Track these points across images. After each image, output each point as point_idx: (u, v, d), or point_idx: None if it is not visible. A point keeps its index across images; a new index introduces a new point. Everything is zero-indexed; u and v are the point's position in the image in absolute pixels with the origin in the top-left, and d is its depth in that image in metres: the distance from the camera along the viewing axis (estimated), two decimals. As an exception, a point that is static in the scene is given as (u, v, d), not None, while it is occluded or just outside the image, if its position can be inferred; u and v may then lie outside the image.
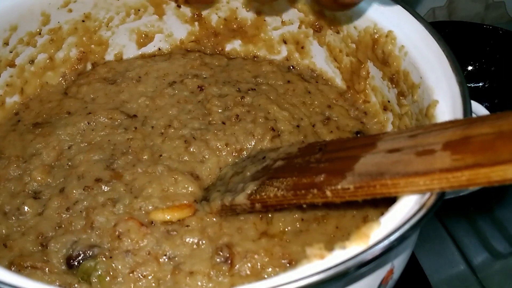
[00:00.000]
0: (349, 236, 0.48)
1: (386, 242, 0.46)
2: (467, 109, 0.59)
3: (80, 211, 0.68)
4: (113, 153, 0.75)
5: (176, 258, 0.63)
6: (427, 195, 0.50)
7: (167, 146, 0.76)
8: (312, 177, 0.59)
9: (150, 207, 0.68)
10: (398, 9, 0.76)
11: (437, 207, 0.50)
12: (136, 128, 0.79)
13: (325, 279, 0.44)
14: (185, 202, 0.69)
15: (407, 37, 0.73)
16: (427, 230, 1.03)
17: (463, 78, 0.64)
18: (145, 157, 0.75)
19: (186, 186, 0.71)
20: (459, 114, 0.60)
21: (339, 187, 0.54)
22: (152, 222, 0.67)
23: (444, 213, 1.06)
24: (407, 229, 0.47)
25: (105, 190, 0.70)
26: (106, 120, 0.80)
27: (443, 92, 0.64)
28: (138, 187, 0.71)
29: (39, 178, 0.72)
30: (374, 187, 0.51)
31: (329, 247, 0.47)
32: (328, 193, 0.55)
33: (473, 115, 0.64)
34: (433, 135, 0.53)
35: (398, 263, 0.59)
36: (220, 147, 0.77)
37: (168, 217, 0.67)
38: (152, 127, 0.79)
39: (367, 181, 0.52)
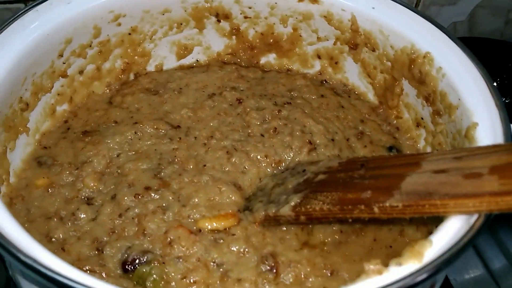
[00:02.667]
0: (402, 253, 0.51)
1: (439, 261, 0.50)
2: (508, 133, 0.63)
3: (132, 218, 0.71)
4: (159, 162, 0.79)
5: (224, 266, 0.67)
6: (475, 216, 0.54)
7: (210, 157, 0.80)
8: (358, 193, 0.62)
9: (197, 216, 0.72)
10: (436, 31, 0.79)
11: (485, 228, 0.53)
12: (180, 138, 0.82)
13: (385, 293, 0.48)
14: (229, 211, 0.72)
15: (445, 59, 0.76)
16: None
17: (502, 102, 0.67)
18: (190, 166, 0.78)
19: (229, 195, 0.74)
20: (499, 138, 0.63)
21: (387, 204, 0.58)
22: (200, 230, 0.70)
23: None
24: (459, 249, 0.50)
25: (155, 198, 0.73)
26: (152, 130, 0.83)
27: (483, 115, 0.67)
28: (185, 195, 0.74)
29: (92, 185, 0.76)
30: (423, 206, 0.55)
31: (385, 263, 0.51)
32: (376, 209, 0.59)
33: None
34: (478, 159, 0.56)
35: (439, 279, 0.63)
36: (260, 158, 0.80)
37: (215, 225, 0.70)
38: (195, 137, 0.83)
39: (415, 200, 0.56)
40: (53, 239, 0.70)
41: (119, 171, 0.78)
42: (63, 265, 0.51)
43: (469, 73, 0.72)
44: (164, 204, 0.73)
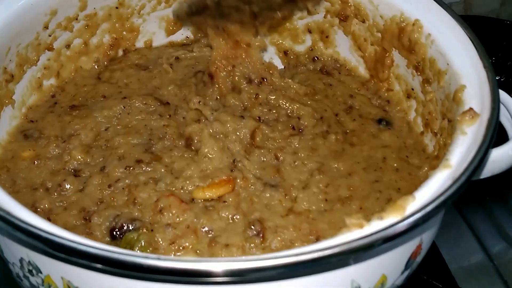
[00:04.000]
0: (385, 208, 0.50)
1: (421, 214, 0.49)
2: (495, 93, 0.62)
3: (122, 188, 0.71)
4: (150, 137, 0.78)
5: (213, 232, 0.67)
6: (459, 171, 0.53)
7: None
8: None
9: (191, 187, 0.71)
10: (424, -1, 0.78)
11: (468, 183, 0.52)
12: (170, 116, 0.82)
13: (365, 245, 0.47)
14: (224, 177, 0.72)
15: (434, 25, 0.75)
16: (446, 219, 1.05)
17: (490, 64, 0.66)
18: (181, 143, 0.78)
19: (221, 161, 0.74)
20: (487, 99, 0.62)
21: None
22: (193, 199, 0.70)
23: (461, 203, 1.09)
24: (441, 202, 0.50)
25: (147, 170, 0.73)
26: (141, 105, 0.82)
27: (471, 77, 0.66)
28: (177, 169, 0.73)
29: (79, 157, 0.75)
30: None
31: (367, 218, 0.50)
32: None
33: (501, 105, 0.67)
34: None
35: (426, 240, 0.62)
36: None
37: (209, 195, 0.70)
38: (184, 118, 0.81)
39: None
40: (39, 209, 0.69)
41: (108, 144, 0.77)
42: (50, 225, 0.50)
43: (457, 37, 0.72)
44: (156, 176, 0.72)
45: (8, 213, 0.49)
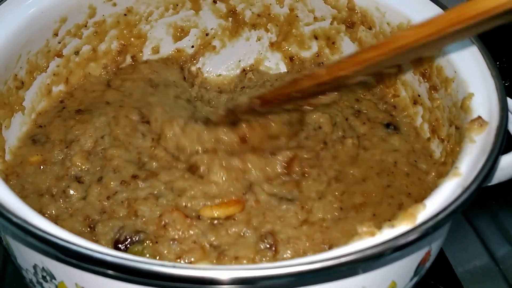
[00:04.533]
0: (396, 216, 0.51)
1: (432, 222, 0.50)
2: (503, 101, 0.63)
3: (122, 201, 0.69)
4: (139, 156, 0.75)
5: (221, 247, 0.65)
6: (469, 180, 0.53)
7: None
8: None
9: (196, 207, 0.69)
10: (431, 6, 0.79)
11: (478, 191, 0.53)
12: (153, 139, 0.78)
13: (376, 254, 0.47)
14: (233, 198, 0.70)
15: (441, 33, 0.76)
16: (452, 224, 1.06)
17: (498, 72, 0.67)
18: (179, 166, 0.74)
19: (228, 183, 0.72)
20: (495, 107, 0.63)
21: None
22: (199, 216, 0.68)
23: (467, 208, 1.09)
24: (452, 210, 0.50)
25: (143, 186, 0.71)
26: (125, 118, 0.80)
27: (478, 86, 0.67)
28: (178, 188, 0.71)
29: (79, 163, 0.74)
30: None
31: (378, 226, 0.50)
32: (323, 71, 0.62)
33: (509, 113, 0.67)
34: None
35: (434, 247, 0.62)
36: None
37: (217, 214, 0.68)
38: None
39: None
40: (46, 215, 0.69)
41: (103, 153, 0.76)
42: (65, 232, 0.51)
43: (464, 45, 0.72)
44: (156, 192, 0.70)
45: (24, 221, 0.50)
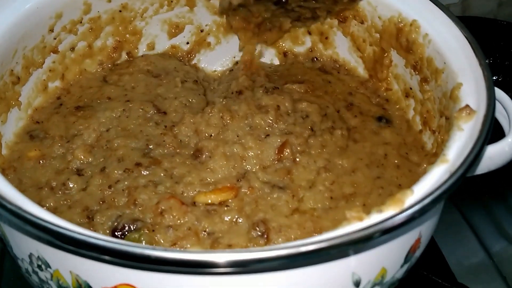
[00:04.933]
0: (384, 201, 0.52)
1: (418, 206, 0.51)
2: (491, 90, 0.64)
3: (122, 190, 0.72)
4: (147, 143, 0.78)
5: (215, 234, 0.67)
6: (456, 166, 0.54)
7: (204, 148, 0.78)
8: None
9: (192, 193, 0.71)
10: None
11: (464, 178, 0.54)
12: (166, 126, 0.81)
13: (364, 236, 0.48)
14: (228, 184, 0.72)
15: (431, 25, 0.77)
16: (446, 217, 1.07)
17: (486, 62, 0.68)
18: (185, 152, 0.78)
19: (225, 172, 0.74)
20: (483, 96, 0.64)
21: None
22: (194, 203, 0.70)
23: (461, 201, 1.11)
24: (438, 195, 0.51)
25: (145, 174, 0.73)
26: (139, 110, 0.83)
27: (467, 76, 0.68)
28: (177, 174, 0.74)
29: (81, 157, 0.76)
30: None
31: (367, 211, 0.51)
32: None
33: (497, 102, 0.68)
34: None
35: (424, 235, 0.63)
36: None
37: (210, 201, 0.70)
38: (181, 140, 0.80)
39: None
40: (44, 208, 0.70)
41: (108, 145, 0.78)
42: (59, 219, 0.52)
43: (453, 37, 0.73)
44: (155, 179, 0.73)
45: (20, 208, 0.50)
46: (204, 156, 0.76)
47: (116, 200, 0.71)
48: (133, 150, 0.77)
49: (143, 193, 0.70)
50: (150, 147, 0.78)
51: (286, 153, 0.75)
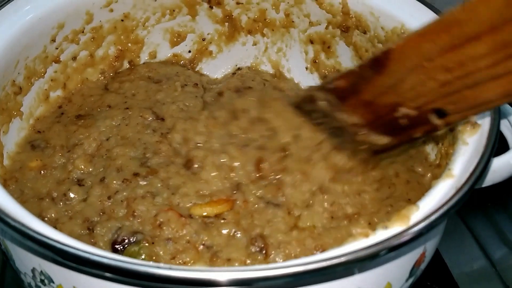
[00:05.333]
0: (390, 217, 0.52)
1: (425, 223, 0.50)
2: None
3: (121, 201, 0.71)
4: (144, 151, 0.78)
5: (213, 247, 0.66)
6: (462, 181, 0.54)
7: (198, 158, 0.77)
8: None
9: (188, 205, 0.70)
10: (424, 9, 0.80)
11: (470, 192, 0.53)
12: (162, 133, 0.81)
13: (370, 254, 0.48)
14: (223, 197, 0.71)
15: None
16: (448, 226, 1.07)
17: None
18: (178, 160, 0.77)
19: (219, 185, 0.73)
20: (487, 108, 0.64)
21: None
22: (190, 215, 0.69)
23: (463, 209, 1.10)
24: (445, 211, 0.51)
25: (143, 184, 0.73)
26: (138, 118, 0.82)
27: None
28: (173, 185, 0.73)
29: (82, 167, 0.76)
30: None
31: (373, 228, 0.51)
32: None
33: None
34: None
35: (429, 248, 0.63)
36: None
37: (206, 213, 0.69)
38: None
39: None
40: (46, 219, 0.70)
41: (107, 154, 0.78)
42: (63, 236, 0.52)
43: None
44: (153, 190, 0.72)
45: (23, 224, 0.50)
46: (196, 166, 0.75)
47: (115, 211, 0.70)
48: (131, 160, 0.76)
49: (141, 204, 0.70)
50: (147, 155, 0.77)
51: (265, 170, 0.74)
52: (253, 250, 0.66)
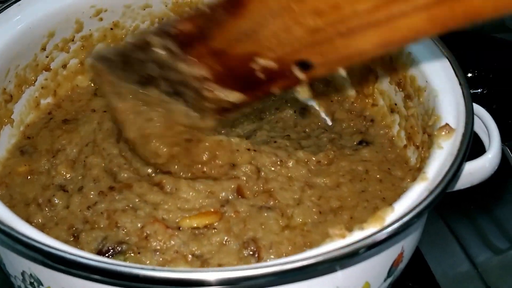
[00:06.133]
0: (366, 219, 0.54)
1: (399, 223, 0.53)
2: (469, 109, 0.66)
3: (101, 212, 0.69)
4: (110, 164, 0.75)
5: (203, 256, 0.66)
6: (435, 184, 0.57)
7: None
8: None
9: (175, 219, 0.68)
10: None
11: (443, 194, 0.56)
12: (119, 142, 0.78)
13: (346, 253, 0.50)
14: (211, 209, 0.69)
15: (413, 44, 0.79)
16: (431, 228, 1.09)
17: (465, 81, 0.71)
18: (145, 180, 0.73)
19: (201, 201, 0.71)
20: (462, 114, 0.66)
21: None
22: (179, 227, 0.68)
23: (446, 213, 1.13)
24: (417, 212, 0.53)
25: (119, 198, 0.70)
26: (109, 122, 0.80)
27: (447, 94, 0.70)
28: (152, 202, 0.70)
29: (63, 172, 0.76)
30: None
31: (350, 228, 0.53)
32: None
33: (475, 117, 0.71)
34: None
35: (407, 249, 0.65)
36: None
37: (195, 225, 0.67)
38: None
39: None
40: (33, 224, 0.70)
41: (85, 161, 0.77)
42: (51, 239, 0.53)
43: (434, 56, 0.76)
44: (131, 205, 0.69)
45: (12, 229, 0.52)
46: (169, 189, 0.71)
47: (97, 221, 0.68)
48: (105, 172, 0.74)
49: (123, 217, 0.67)
50: (114, 169, 0.74)
51: (248, 193, 0.72)
52: (245, 254, 0.66)
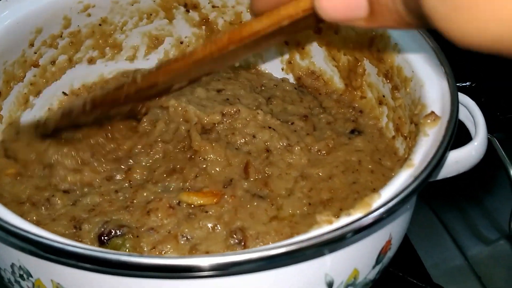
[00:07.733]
0: (353, 205, 0.55)
1: (384, 208, 0.53)
2: (454, 97, 0.67)
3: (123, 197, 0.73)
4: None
5: (193, 240, 0.68)
6: (420, 169, 0.57)
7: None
8: None
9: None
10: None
11: (427, 181, 0.57)
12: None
13: (333, 238, 0.51)
14: (213, 190, 0.73)
15: (399, 36, 0.80)
16: (422, 220, 1.10)
17: (450, 70, 0.71)
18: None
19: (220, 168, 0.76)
20: (447, 102, 0.67)
21: None
22: (179, 203, 0.71)
23: (436, 204, 1.14)
24: (402, 197, 0.54)
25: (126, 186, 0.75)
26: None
27: (433, 83, 0.71)
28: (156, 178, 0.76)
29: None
30: None
31: (337, 215, 0.54)
32: None
33: (461, 106, 0.72)
34: None
35: (395, 237, 0.66)
36: None
37: (190, 202, 0.72)
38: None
39: None
40: (28, 220, 0.71)
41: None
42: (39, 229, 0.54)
43: (421, 46, 0.77)
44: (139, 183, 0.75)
45: (0, 219, 0.52)
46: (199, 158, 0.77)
47: (111, 204, 0.72)
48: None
49: (141, 196, 0.72)
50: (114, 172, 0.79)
51: (252, 172, 0.76)
52: (232, 242, 0.67)
